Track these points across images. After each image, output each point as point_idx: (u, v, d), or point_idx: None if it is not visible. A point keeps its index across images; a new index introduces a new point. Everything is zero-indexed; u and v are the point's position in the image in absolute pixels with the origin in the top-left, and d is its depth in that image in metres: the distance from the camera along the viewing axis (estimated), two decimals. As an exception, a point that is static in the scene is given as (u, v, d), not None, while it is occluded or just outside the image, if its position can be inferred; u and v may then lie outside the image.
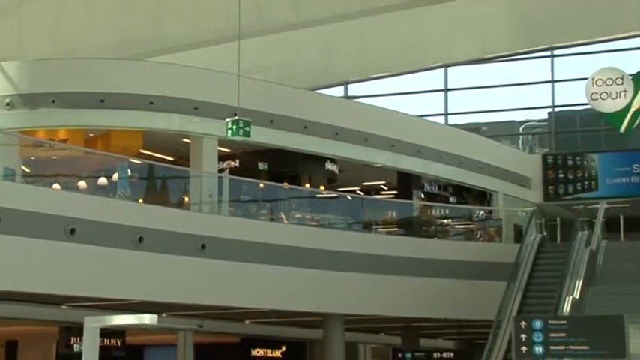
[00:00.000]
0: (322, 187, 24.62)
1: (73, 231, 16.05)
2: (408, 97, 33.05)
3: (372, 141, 24.43)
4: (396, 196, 26.73)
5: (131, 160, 19.87)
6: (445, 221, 26.16)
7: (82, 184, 18.60)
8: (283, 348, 28.10)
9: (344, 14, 28.38)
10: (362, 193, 26.61)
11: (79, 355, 15.70)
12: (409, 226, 24.54)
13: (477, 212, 26.55)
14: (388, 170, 25.80)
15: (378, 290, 21.01)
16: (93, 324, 15.40)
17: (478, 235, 25.58)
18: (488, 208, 27.62)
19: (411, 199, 26.03)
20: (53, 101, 19.77)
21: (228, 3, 20.80)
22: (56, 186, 17.91)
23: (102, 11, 27.22)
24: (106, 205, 17.61)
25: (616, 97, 27.47)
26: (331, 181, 25.18)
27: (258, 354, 27.71)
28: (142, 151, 21.79)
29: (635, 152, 29.43)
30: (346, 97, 32.34)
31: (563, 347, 16.92)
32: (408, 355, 23.89)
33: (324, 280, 20.12)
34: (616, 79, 27.55)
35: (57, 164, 19.59)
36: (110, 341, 23.73)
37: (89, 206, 16.95)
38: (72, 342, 22.97)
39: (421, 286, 21.62)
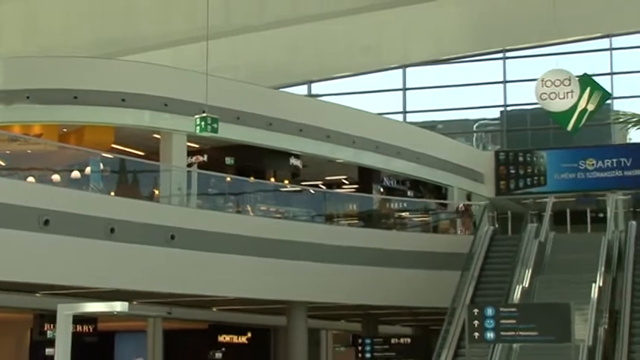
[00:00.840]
0: (286, 181, 24.62)
1: (47, 222, 15.90)
2: (368, 96, 33.09)
3: (333, 137, 24.47)
4: (357, 190, 26.79)
5: (103, 154, 19.71)
6: (403, 214, 26.24)
7: (55, 177, 18.43)
8: (249, 334, 28.03)
9: (308, 17, 28.40)
10: (324, 187, 26.64)
11: (52, 341, 15.59)
12: (369, 219, 24.58)
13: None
14: (349, 165, 25.86)
15: (339, 279, 21.04)
16: (66, 311, 15.28)
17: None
18: (444, 201, 27.73)
19: (370, 192, 26.10)
20: (28, 97, 19.61)
21: (197, 5, 20.76)
22: (30, 179, 17.73)
23: (76, 11, 27.01)
24: (78, 197, 17.48)
25: (564, 98, 27.63)
26: (295, 176, 25.17)
27: (225, 340, 27.62)
28: (114, 145, 21.66)
29: (581, 149, 29.68)
30: (309, 95, 32.33)
31: (513, 333, 17.08)
32: (368, 341, 23.90)
33: (288, 270, 20.10)
34: (564, 80, 27.70)
35: (31, 158, 19.38)
36: (82, 328, 23.57)
37: (63, 198, 16.81)
38: (45, 329, 22.76)
39: (380, 276, 21.67)
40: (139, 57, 24.84)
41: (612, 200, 24.50)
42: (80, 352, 16.58)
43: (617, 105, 29.55)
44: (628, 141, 30.89)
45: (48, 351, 16.60)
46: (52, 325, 21.02)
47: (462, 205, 26.11)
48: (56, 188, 17.75)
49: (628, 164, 28.78)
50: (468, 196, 26.24)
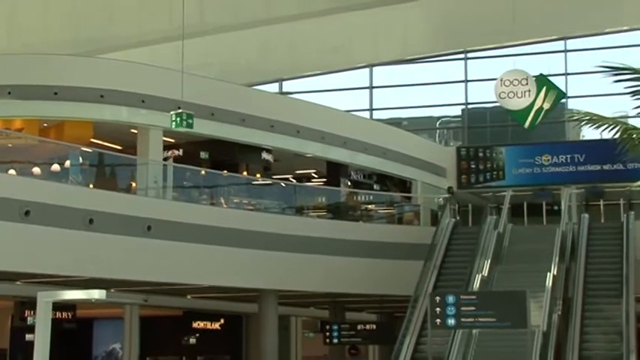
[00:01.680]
0: (258, 175, 24.56)
1: (27, 213, 15.82)
2: (337, 93, 33.03)
3: (303, 133, 24.43)
4: (325, 183, 26.78)
5: (82, 148, 19.61)
6: (369, 206, 26.27)
7: (36, 170, 18.30)
8: (222, 321, 27.99)
9: (279, 18, 28.35)
10: (294, 181, 26.58)
11: (33, 327, 15.48)
12: (337, 211, 24.58)
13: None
14: (318, 159, 25.83)
15: (308, 268, 21.05)
16: (45, 299, 15.17)
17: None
18: (408, 194, 27.78)
19: (338, 186, 26.08)
20: (9, 93, 19.38)
21: (173, 6, 20.66)
22: (12, 172, 17.58)
23: (56, 10, 26.76)
24: (58, 189, 17.39)
25: (521, 97, 27.75)
26: (266, 169, 25.11)
27: (199, 326, 27.58)
28: (93, 140, 21.49)
29: (537, 146, 29.85)
30: (280, 93, 32.25)
31: (472, 319, 17.17)
32: (335, 327, 23.92)
33: (259, 259, 20.09)
34: (521, 80, 27.80)
35: (13, 151, 19.22)
36: (62, 314, 23.45)
37: (43, 190, 16.71)
38: (26, 315, 22.63)
39: (347, 265, 21.71)
40: (117, 55, 24.65)
41: (566, 194, 24.64)
42: (59, 338, 16.46)
43: (572, 104, 29.70)
44: (581, 138, 31.09)
45: (28, 337, 16.51)
46: (32, 312, 20.89)
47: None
48: (37, 181, 17.64)
49: (581, 160, 28.98)
50: (449, 189, 26.00)
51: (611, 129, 8.62)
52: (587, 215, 23.23)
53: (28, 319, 22.29)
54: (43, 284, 18.04)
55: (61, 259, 16.64)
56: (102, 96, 20.32)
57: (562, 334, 18.54)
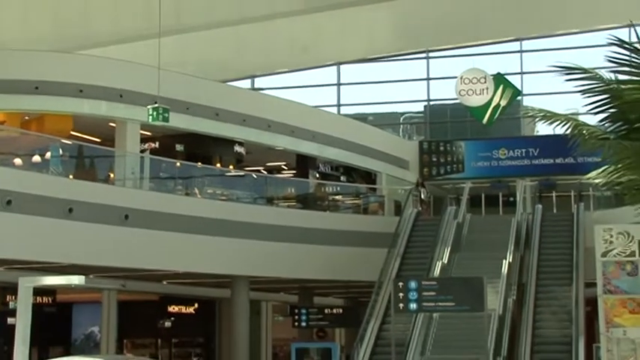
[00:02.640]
0: (231, 167, 24.51)
1: (9, 202, 15.67)
2: (306, 90, 33.06)
3: (274, 127, 24.42)
4: (295, 175, 26.78)
5: (63, 140, 19.44)
6: (336, 197, 26.29)
7: (17, 161, 18.11)
8: (196, 305, 27.89)
9: (252, 18, 28.29)
10: (265, 172, 26.54)
11: (14, 311, 15.34)
12: (306, 201, 24.58)
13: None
14: (288, 152, 25.83)
15: (278, 256, 21.03)
16: (26, 284, 15.02)
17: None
18: (373, 186, 27.84)
19: (307, 177, 26.09)
20: (-9, 87, 19.19)
21: (150, 5, 20.50)
22: (-6, 162, 17.41)
23: (36, 8, 26.45)
24: (39, 179, 17.23)
25: (480, 94, 28.02)
26: (239, 162, 25.06)
27: (174, 310, 27.46)
28: (73, 132, 21.33)
29: (494, 140, 30.02)
30: (253, 89, 32.16)
31: (433, 304, 17.23)
32: (303, 311, 23.93)
33: (231, 247, 20.05)
34: (480, 78, 28.09)
35: (-5, 143, 19.04)
36: (42, 299, 23.24)
37: (24, 180, 16.57)
38: (8, 300, 22.40)
39: (315, 253, 21.72)
40: (96, 52, 24.45)
41: (521, 186, 24.84)
42: (40, 322, 16.34)
43: (527, 101, 29.91)
44: (535, 133, 31.34)
45: (10, 320, 16.34)
46: (13, 297, 20.71)
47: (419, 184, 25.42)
48: (18, 171, 17.46)
49: (535, 154, 29.19)
50: (421, 182, 25.97)
51: (563, 125, 8.71)
52: (540, 206, 23.39)
53: (10, 303, 22.07)
54: (24, 270, 17.88)
55: (41, 247, 16.49)
56: (81, 90, 20.19)
57: (516, 318, 18.67)
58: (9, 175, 16.53)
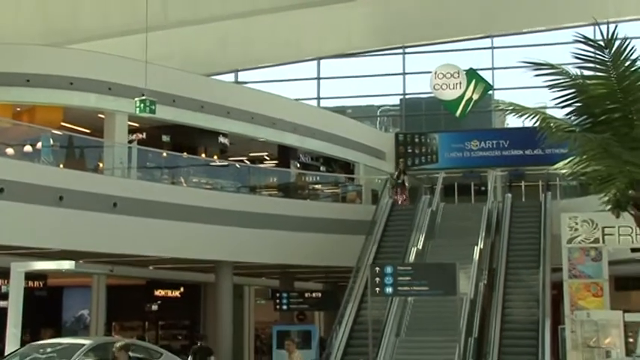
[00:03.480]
0: (215, 157, 24.46)
1: (2, 190, 15.60)
2: (287, 83, 32.98)
3: (257, 119, 24.40)
4: (277, 165, 26.77)
5: (53, 131, 19.33)
6: (316, 186, 26.30)
7: (9, 150, 18.01)
8: (181, 289, 27.85)
9: (235, 14, 28.21)
10: (248, 162, 26.51)
11: (6, 295, 15.29)
12: (287, 190, 24.57)
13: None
14: (270, 143, 25.81)
15: (260, 242, 21.05)
16: (19, 269, 15.01)
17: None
18: (351, 175, 27.86)
19: (288, 167, 26.09)
20: (-16, 80, 19.05)
21: (138, 0, 20.39)
22: (-13, 152, 17.30)
23: (28, 4, 26.24)
24: (31, 168, 17.15)
25: (453, 88, 28.06)
26: (223, 152, 25.01)
27: (160, 294, 27.41)
28: (63, 123, 21.22)
29: (466, 132, 30.13)
30: (236, 82, 32.08)
31: (408, 288, 17.29)
32: (285, 294, 23.98)
33: (216, 234, 20.04)
34: (453, 73, 28.12)
35: (-13, 134, 18.91)
36: (34, 283, 23.12)
37: (16, 169, 16.48)
38: (0, 284, 22.27)
39: (296, 239, 21.75)
40: (86, 46, 24.28)
41: (492, 176, 24.92)
42: (31, 305, 16.27)
43: (497, 95, 30.03)
44: (506, 126, 31.48)
45: (2, 303, 16.26)
46: (5, 281, 20.58)
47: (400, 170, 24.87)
48: (10, 160, 17.36)
49: (506, 145, 29.32)
50: (403, 169, 25.87)
51: (532, 118, 8.77)
52: (510, 195, 23.48)
53: (2, 287, 21.94)
54: (15, 255, 17.79)
55: (33, 233, 16.44)
56: (71, 83, 20.09)
57: (487, 301, 18.77)
58: (1, 164, 16.42)
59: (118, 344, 12.01)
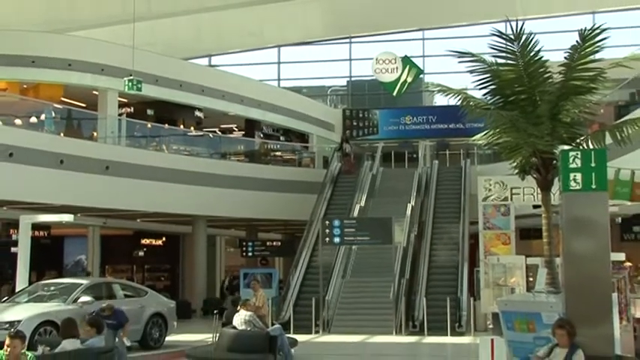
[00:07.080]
0: (192, 128, 24.32)
1: (11, 154, 15.44)
2: (253, 67, 32.78)
3: (227, 97, 24.31)
4: (244, 135, 26.70)
5: (55, 105, 19.10)
6: (277, 153, 26.33)
7: (17, 121, 17.78)
8: (164, 239, 27.75)
9: (209, 7, 27.92)
10: (220, 133, 26.41)
11: (16, 242, 15.19)
12: (252, 156, 24.59)
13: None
14: (238, 117, 25.72)
15: (230, 199, 21.12)
16: (26, 220, 14.92)
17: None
18: (306, 144, 27.94)
19: (253, 137, 26.06)
20: (-5, 61, 18.69)
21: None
22: (-2, 122, 17.03)
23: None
24: (36, 136, 16.95)
25: (391, 72, 28.18)
26: (198, 124, 24.88)
27: (146, 243, 27.28)
28: (63, 99, 20.91)
29: (403, 109, 30.34)
30: (210, 65, 31.79)
31: (353, 238, 17.61)
32: (250, 243, 24.07)
33: (193, 193, 20.05)
34: (391, 59, 28.23)
35: (-1, 107, 18.60)
36: (39, 233, 22.86)
37: (24, 137, 16.31)
38: (11, 233, 21.98)
39: (260, 197, 21.85)
40: (82, 33, 23.84)
41: (422, 146, 25.22)
42: (37, 251, 16.18)
43: (428, 78, 30.23)
44: (434, 104, 31.74)
45: (13, 249, 16.15)
46: (16, 231, 20.33)
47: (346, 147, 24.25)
48: (18, 129, 17.17)
49: (434, 120, 29.60)
50: (345, 138, 25.73)
51: (456, 97, 8.94)
52: (437, 162, 23.82)
53: (13, 235, 21.67)
54: (24, 209, 17.62)
55: (38, 190, 16.32)
56: (70, 65, 19.86)
57: (417, 248, 19.14)
58: (11, 133, 16.27)
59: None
